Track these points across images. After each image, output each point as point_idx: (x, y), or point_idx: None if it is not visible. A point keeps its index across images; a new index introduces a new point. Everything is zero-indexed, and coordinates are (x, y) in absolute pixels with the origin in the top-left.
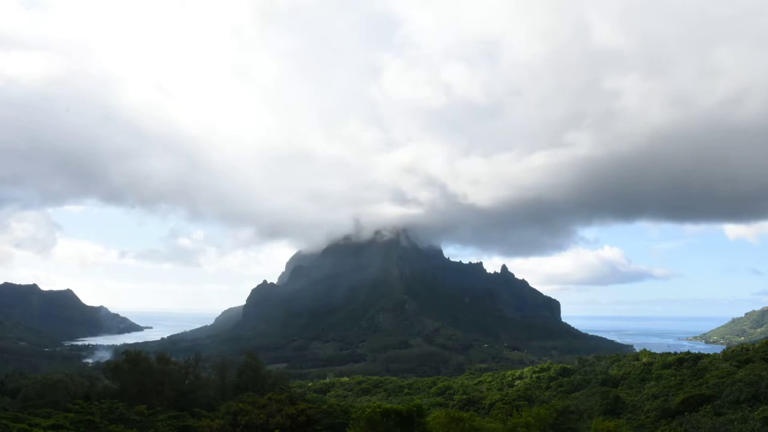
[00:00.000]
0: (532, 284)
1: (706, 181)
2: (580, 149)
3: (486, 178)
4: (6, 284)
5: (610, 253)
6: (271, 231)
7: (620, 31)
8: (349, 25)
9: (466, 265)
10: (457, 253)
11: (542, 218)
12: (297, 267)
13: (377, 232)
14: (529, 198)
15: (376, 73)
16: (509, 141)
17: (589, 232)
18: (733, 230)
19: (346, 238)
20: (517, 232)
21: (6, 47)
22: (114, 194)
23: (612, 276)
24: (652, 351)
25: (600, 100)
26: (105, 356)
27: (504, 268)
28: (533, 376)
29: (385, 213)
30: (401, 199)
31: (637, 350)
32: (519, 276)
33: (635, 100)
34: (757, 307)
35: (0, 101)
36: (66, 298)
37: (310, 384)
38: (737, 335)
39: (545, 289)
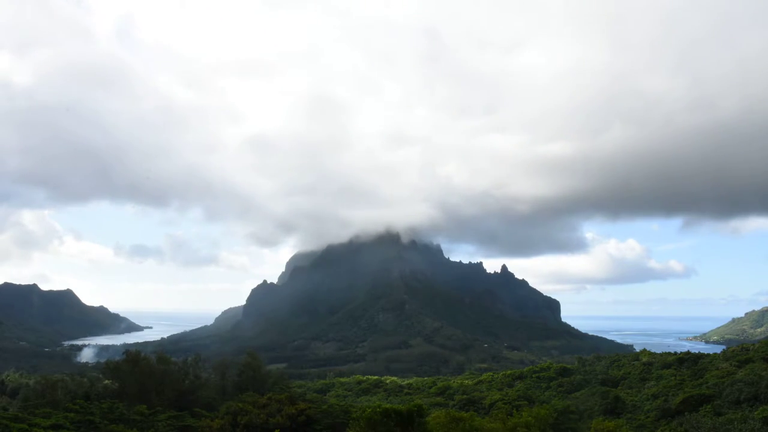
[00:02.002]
0: (533, 284)
1: (711, 179)
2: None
3: (490, 176)
4: (6, 284)
5: (617, 252)
6: (271, 231)
7: (650, 28)
8: (366, 21)
9: (466, 265)
10: (456, 249)
11: (547, 216)
12: (297, 267)
13: (377, 232)
14: (534, 197)
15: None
16: (517, 137)
17: (592, 231)
18: (737, 230)
19: (346, 237)
20: (520, 231)
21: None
22: (115, 194)
23: (616, 276)
24: (652, 351)
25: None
26: (94, 356)
27: (504, 268)
28: (533, 376)
29: (385, 213)
30: (402, 198)
31: (637, 350)
32: (519, 276)
33: (659, 99)
34: (757, 307)
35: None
36: (66, 298)
37: (310, 384)
38: (737, 335)
39: (545, 289)
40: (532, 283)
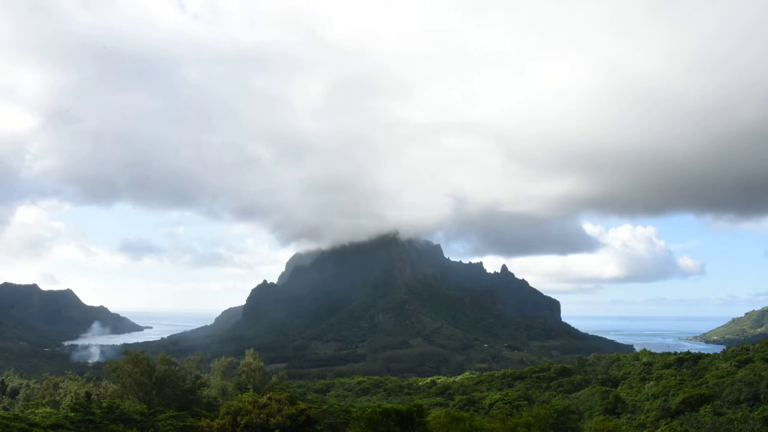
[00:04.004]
0: (536, 283)
1: (713, 179)
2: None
3: (498, 175)
4: (6, 284)
5: (621, 252)
6: (275, 231)
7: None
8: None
9: (466, 265)
10: (457, 249)
11: (552, 215)
12: (297, 267)
13: (377, 232)
14: (542, 195)
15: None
16: (529, 135)
17: (595, 230)
18: (736, 230)
19: (347, 237)
20: (525, 229)
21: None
22: (115, 193)
23: (622, 275)
24: (652, 351)
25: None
26: (97, 356)
27: (504, 268)
28: (533, 376)
29: (386, 213)
30: (403, 198)
31: (637, 350)
32: (520, 275)
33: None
34: (757, 307)
35: None
36: (66, 298)
37: (310, 384)
38: (737, 335)
39: (550, 288)
40: (536, 282)
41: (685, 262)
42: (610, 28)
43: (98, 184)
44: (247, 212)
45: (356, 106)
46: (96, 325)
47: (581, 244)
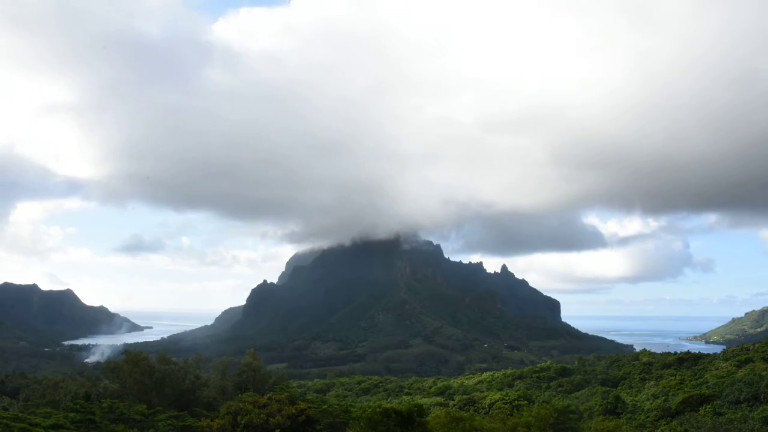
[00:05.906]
0: (533, 284)
1: (712, 179)
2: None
3: (488, 174)
4: (6, 284)
5: (624, 251)
6: (274, 229)
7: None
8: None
9: (466, 265)
10: (457, 248)
11: (553, 213)
12: (297, 267)
13: (377, 231)
14: (545, 193)
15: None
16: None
17: (599, 228)
18: (735, 229)
19: (348, 237)
20: (527, 229)
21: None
22: (113, 193)
23: (624, 275)
24: (652, 351)
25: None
26: (104, 356)
27: (504, 267)
28: (533, 376)
29: (386, 212)
30: (402, 198)
31: (637, 350)
32: (519, 276)
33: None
34: (757, 307)
35: None
36: (66, 298)
37: (310, 384)
38: (737, 335)
39: (549, 288)
40: (541, 281)
41: (687, 261)
42: (635, 25)
43: (102, 183)
44: (252, 211)
45: (382, 105)
46: (96, 325)
47: (586, 242)
